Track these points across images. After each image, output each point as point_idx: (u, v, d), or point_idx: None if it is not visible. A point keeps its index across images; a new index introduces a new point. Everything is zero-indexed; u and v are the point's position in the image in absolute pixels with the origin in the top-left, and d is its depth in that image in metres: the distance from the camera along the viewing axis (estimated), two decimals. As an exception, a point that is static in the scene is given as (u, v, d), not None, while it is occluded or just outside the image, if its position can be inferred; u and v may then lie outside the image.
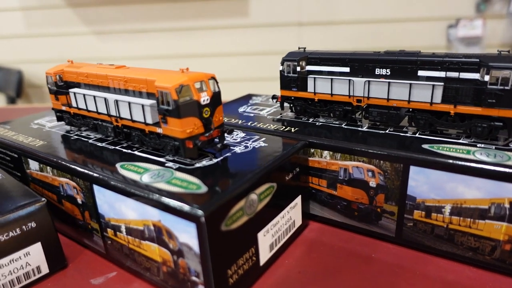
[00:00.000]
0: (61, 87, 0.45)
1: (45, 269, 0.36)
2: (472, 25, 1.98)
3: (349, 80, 0.42)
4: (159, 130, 0.35)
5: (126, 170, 0.34)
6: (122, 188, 0.32)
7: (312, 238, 0.41)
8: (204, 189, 0.30)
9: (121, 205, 0.33)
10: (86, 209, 0.38)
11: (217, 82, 0.36)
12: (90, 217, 0.38)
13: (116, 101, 0.38)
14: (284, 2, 2.03)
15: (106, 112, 0.40)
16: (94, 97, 0.40)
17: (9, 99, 2.22)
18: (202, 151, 0.37)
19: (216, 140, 0.37)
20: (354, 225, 0.40)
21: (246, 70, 2.12)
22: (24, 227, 0.34)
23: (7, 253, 0.33)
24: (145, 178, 0.33)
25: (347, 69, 0.43)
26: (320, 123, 0.45)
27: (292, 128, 0.44)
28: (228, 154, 0.37)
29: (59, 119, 0.49)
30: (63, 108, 0.46)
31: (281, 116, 0.49)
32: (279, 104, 0.52)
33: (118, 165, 0.36)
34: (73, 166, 0.37)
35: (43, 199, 0.35)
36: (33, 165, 0.42)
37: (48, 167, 0.40)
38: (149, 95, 0.36)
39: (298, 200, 0.40)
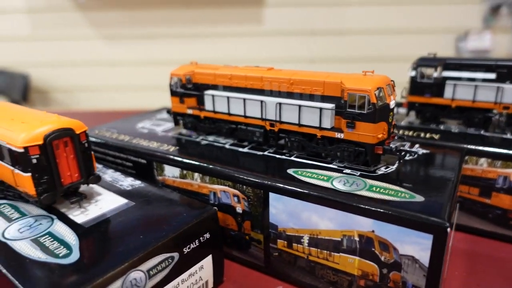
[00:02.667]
0: (189, 89, 0.43)
1: (210, 284, 0.34)
2: (481, 38, 2.04)
3: (498, 87, 0.41)
4: (338, 135, 0.34)
5: (306, 177, 0.32)
6: (321, 196, 0.30)
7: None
8: (419, 198, 0.28)
9: (311, 214, 0.31)
10: (248, 219, 0.35)
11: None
12: (252, 227, 0.35)
13: (279, 104, 0.36)
14: (297, 10, 2.04)
15: (258, 116, 0.38)
16: (244, 100, 0.38)
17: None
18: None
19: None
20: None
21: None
22: (201, 238, 0.31)
23: (188, 267, 0.31)
24: (339, 186, 0.31)
25: (492, 76, 0.42)
26: (457, 130, 0.44)
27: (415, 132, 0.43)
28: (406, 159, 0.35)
29: (176, 123, 0.47)
30: (189, 111, 0.44)
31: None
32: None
33: (291, 172, 0.34)
34: (239, 175, 0.34)
35: (213, 208, 0.33)
36: (170, 171, 0.39)
37: (196, 174, 0.37)
38: (324, 98, 0.34)
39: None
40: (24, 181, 0.29)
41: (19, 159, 0.29)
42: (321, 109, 0.34)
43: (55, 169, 0.30)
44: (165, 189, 0.37)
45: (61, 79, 2.14)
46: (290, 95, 0.36)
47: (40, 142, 0.29)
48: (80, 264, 0.26)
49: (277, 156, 0.37)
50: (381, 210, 0.27)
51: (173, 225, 0.30)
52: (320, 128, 0.34)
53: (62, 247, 0.27)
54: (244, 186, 0.34)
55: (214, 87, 0.42)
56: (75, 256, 0.26)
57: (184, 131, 0.47)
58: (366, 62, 1.98)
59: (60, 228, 0.30)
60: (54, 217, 0.31)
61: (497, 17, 2.03)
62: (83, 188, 0.34)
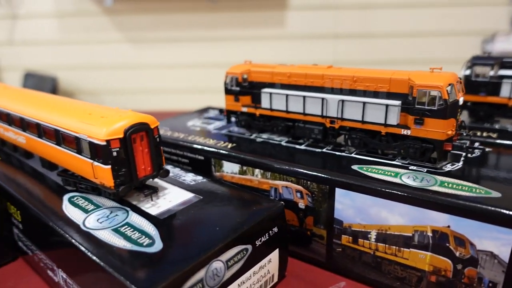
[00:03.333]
0: (245, 87, 0.44)
1: (275, 279, 0.34)
2: (508, 40, 2.00)
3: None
4: (404, 132, 0.34)
5: (373, 173, 0.33)
6: (394, 192, 0.30)
7: None
8: (495, 194, 0.28)
9: (380, 210, 0.31)
10: (310, 214, 0.36)
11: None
12: (315, 223, 0.36)
13: (342, 102, 0.36)
14: (321, 14, 2.04)
15: (318, 113, 0.39)
16: (304, 97, 0.39)
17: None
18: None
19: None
20: None
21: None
22: (270, 232, 0.32)
23: (258, 260, 0.31)
24: (409, 182, 0.31)
25: (554, 74, 0.42)
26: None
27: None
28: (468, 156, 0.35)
29: (229, 121, 0.48)
30: (243, 109, 0.45)
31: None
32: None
33: (356, 168, 0.34)
34: (304, 171, 0.35)
35: (281, 202, 0.33)
36: (229, 167, 0.40)
37: (256, 170, 0.38)
38: (389, 95, 0.35)
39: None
40: (104, 173, 0.31)
41: (100, 152, 0.30)
42: (387, 105, 0.34)
43: (132, 162, 0.31)
44: (227, 184, 0.37)
45: (88, 82, 2.19)
46: (352, 92, 0.37)
47: (121, 135, 0.30)
48: (165, 253, 0.26)
49: (336, 153, 0.38)
50: (462, 204, 0.27)
51: (246, 218, 0.31)
52: (385, 125, 0.35)
53: (143, 236, 0.28)
54: (309, 182, 0.35)
55: (271, 85, 0.42)
56: (158, 245, 0.27)
57: (236, 129, 0.47)
58: (390, 65, 1.96)
59: (136, 219, 0.31)
60: (127, 209, 0.32)
61: (525, 18, 1.99)
62: (149, 181, 0.35)
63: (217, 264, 0.27)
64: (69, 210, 0.33)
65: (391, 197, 0.30)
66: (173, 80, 2.08)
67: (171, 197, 0.34)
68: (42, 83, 2.19)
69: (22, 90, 0.48)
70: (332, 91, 0.38)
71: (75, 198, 0.35)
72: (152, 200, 0.33)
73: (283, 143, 0.42)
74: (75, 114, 0.34)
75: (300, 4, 2.03)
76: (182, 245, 0.27)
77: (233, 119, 0.48)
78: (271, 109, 0.42)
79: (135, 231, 0.29)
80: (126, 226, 0.30)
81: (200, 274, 0.26)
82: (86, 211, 0.32)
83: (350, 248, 0.34)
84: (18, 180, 0.39)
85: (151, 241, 0.28)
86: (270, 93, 0.41)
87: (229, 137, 0.45)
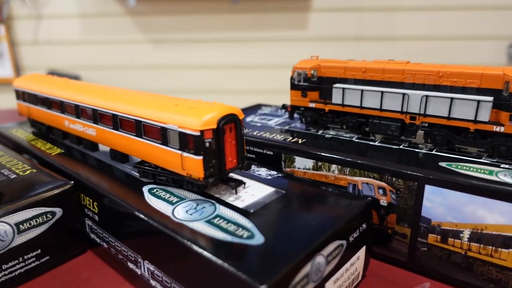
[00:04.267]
0: (314, 82, 0.43)
1: (359, 277, 0.33)
2: (536, 45, 1.97)
3: None
4: (497, 129, 0.33)
5: (465, 171, 0.32)
6: (497, 189, 0.29)
7: None
8: None
9: (476, 208, 0.30)
10: (393, 212, 0.35)
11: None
12: (397, 221, 0.35)
13: (426, 97, 0.36)
14: (343, 16, 2.03)
15: (397, 109, 0.38)
16: (382, 93, 0.38)
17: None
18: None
19: None
20: None
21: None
22: (360, 228, 0.31)
23: (350, 256, 0.30)
24: (508, 180, 0.30)
25: None
26: None
27: None
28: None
29: (291, 116, 0.47)
30: (311, 105, 0.44)
31: None
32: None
33: (444, 165, 0.33)
34: (391, 168, 0.34)
35: (368, 198, 0.32)
36: (301, 163, 0.39)
37: (333, 166, 0.37)
38: (479, 91, 0.34)
39: None
40: (194, 164, 0.30)
41: (192, 143, 0.30)
42: (478, 101, 0.33)
43: (222, 153, 0.31)
44: (304, 179, 0.37)
45: (110, 81, 2.20)
46: (436, 88, 0.36)
47: (214, 126, 0.30)
48: (270, 246, 0.26)
49: (415, 150, 0.37)
50: None
51: (340, 213, 0.30)
52: (475, 121, 0.34)
53: (240, 229, 0.28)
54: (394, 178, 0.34)
55: (343, 80, 0.41)
56: (259, 238, 0.27)
57: (298, 124, 0.47)
58: (413, 68, 1.94)
59: (226, 212, 0.30)
60: (212, 201, 0.32)
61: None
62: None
63: (320, 259, 0.26)
64: (152, 201, 0.32)
65: (491, 195, 0.29)
66: (193, 80, 2.09)
67: (252, 190, 0.34)
68: (66, 82, 2.22)
69: (86, 83, 0.48)
70: (413, 86, 0.37)
71: (155, 190, 0.34)
72: (236, 193, 0.33)
73: (354, 139, 0.41)
74: (159, 105, 0.34)
75: (323, 6, 2.03)
76: (283, 238, 0.27)
77: (295, 115, 0.48)
78: (342, 105, 0.41)
79: (230, 223, 0.28)
80: (219, 218, 0.29)
81: (307, 268, 0.25)
82: (171, 203, 0.32)
83: (438, 247, 0.33)
84: (90, 172, 0.39)
85: (249, 233, 0.27)
86: (343, 89, 0.41)
87: (296, 133, 0.44)
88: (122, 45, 2.21)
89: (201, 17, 2.11)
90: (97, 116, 0.40)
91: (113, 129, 0.38)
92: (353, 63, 0.41)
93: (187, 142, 0.30)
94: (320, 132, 0.43)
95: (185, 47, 2.14)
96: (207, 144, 0.30)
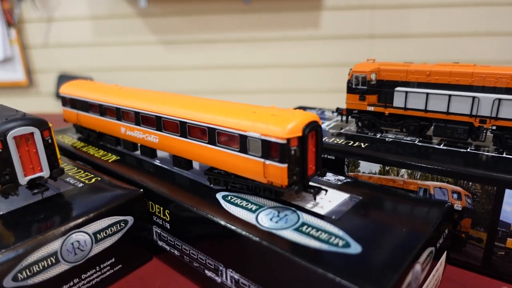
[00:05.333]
0: (373, 86, 0.43)
1: (439, 282, 0.33)
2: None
3: None
4: None
5: (546, 174, 0.31)
6: None
7: None
8: None
9: None
10: (468, 216, 0.35)
11: None
12: (472, 225, 0.35)
13: (499, 100, 0.35)
14: (356, 14, 2.02)
15: (466, 112, 0.38)
16: (450, 96, 0.38)
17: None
18: None
19: None
20: None
21: (316, 81, 2.10)
22: (444, 233, 0.31)
23: (436, 262, 0.30)
24: None
25: None
26: None
27: None
28: None
29: (347, 120, 0.47)
30: (369, 108, 0.44)
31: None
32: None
33: (523, 169, 0.33)
34: (468, 172, 0.34)
35: (449, 203, 0.32)
36: (367, 167, 0.39)
37: (402, 170, 0.37)
38: (558, 93, 0.33)
39: None
40: (278, 172, 0.30)
41: (277, 150, 0.30)
42: (558, 104, 0.33)
43: (305, 160, 0.31)
44: (374, 184, 0.37)
45: (122, 83, 2.20)
46: (508, 91, 0.36)
47: (300, 134, 0.29)
48: (370, 256, 0.25)
49: (484, 153, 0.37)
50: None
51: (425, 219, 0.30)
52: (552, 123, 0.33)
53: (333, 237, 0.28)
54: (471, 183, 0.34)
55: (405, 83, 0.41)
56: (356, 246, 0.26)
57: (352, 128, 0.47)
58: (426, 65, 1.93)
59: (311, 219, 0.30)
60: (293, 208, 0.32)
61: None
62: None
63: (417, 267, 0.26)
64: (231, 209, 0.32)
65: None
66: (206, 81, 2.09)
67: (328, 196, 0.34)
68: (79, 84, 2.22)
69: (140, 90, 0.48)
70: (483, 89, 0.37)
71: (230, 197, 0.34)
72: (315, 199, 0.33)
73: (416, 142, 0.41)
74: (234, 112, 0.33)
75: (335, 5, 2.02)
76: (380, 247, 0.27)
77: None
78: (405, 108, 0.41)
79: (320, 231, 0.28)
80: (306, 226, 0.29)
81: (408, 278, 0.25)
82: (250, 210, 0.32)
83: (517, 252, 0.33)
84: (155, 179, 0.39)
85: (344, 241, 0.27)
86: (406, 92, 0.40)
87: (353, 136, 0.44)
88: (134, 47, 2.21)
89: (213, 17, 2.10)
90: (161, 123, 0.40)
91: (180, 136, 0.38)
92: (414, 66, 0.41)
93: (270, 150, 0.30)
94: (378, 136, 0.43)
95: (197, 47, 2.14)
96: (292, 152, 0.29)
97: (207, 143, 0.35)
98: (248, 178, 0.33)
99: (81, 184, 0.39)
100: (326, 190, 0.33)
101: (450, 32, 1.92)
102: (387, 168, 0.38)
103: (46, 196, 0.36)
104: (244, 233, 0.29)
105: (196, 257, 0.34)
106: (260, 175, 0.31)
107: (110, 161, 0.45)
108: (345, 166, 0.41)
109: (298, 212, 0.31)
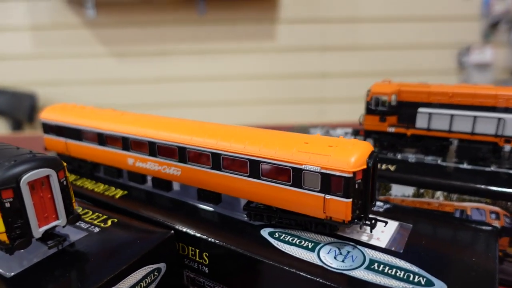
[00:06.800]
0: (393, 107, 0.43)
1: (489, 304, 0.33)
2: (482, 52, 2.17)
3: None
4: None
5: None
6: None
7: None
8: None
9: None
10: (506, 235, 0.35)
11: None
12: (510, 243, 0.35)
13: (525, 121, 0.37)
14: (310, 27, 2.08)
15: (491, 133, 0.39)
16: (475, 117, 0.39)
17: (15, 125, 2.02)
18: None
19: None
20: None
21: (271, 92, 2.12)
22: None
23: None
24: None
25: None
26: None
27: None
28: None
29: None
30: (390, 129, 0.44)
31: None
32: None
33: (555, 187, 0.34)
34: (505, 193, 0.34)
35: (496, 226, 0.33)
36: (399, 190, 0.39)
37: (438, 192, 0.37)
38: None
39: None
40: (341, 207, 0.28)
41: (341, 184, 0.28)
42: None
43: (368, 193, 0.29)
44: (415, 209, 0.36)
45: (71, 98, 2.05)
46: (534, 111, 0.37)
47: (364, 166, 0.28)
48: (457, 292, 0.25)
49: (510, 171, 0.38)
50: None
51: (486, 244, 0.30)
52: None
53: (411, 275, 0.26)
54: (509, 203, 0.34)
55: (427, 104, 0.42)
56: (439, 284, 0.25)
57: (369, 149, 0.46)
58: (376, 76, 2.04)
59: (377, 255, 0.29)
60: (351, 243, 0.30)
61: (495, 33, 2.16)
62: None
63: (499, 299, 0.26)
64: (285, 248, 0.30)
65: None
66: (159, 94, 2.01)
67: (379, 227, 0.33)
68: (19, 100, 2.03)
69: (148, 115, 0.43)
70: (506, 110, 0.38)
71: (277, 234, 0.32)
72: (371, 232, 0.31)
73: (439, 162, 0.41)
74: (281, 143, 0.31)
75: (290, 18, 2.06)
76: (461, 281, 0.26)
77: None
78: (428, 129, 0.42)
79: (394, 269, 0.27)
80: (377, 264, 0.27)
81: (497, 311, 0.24)
82: (307, 248, 0.30)
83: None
84: (181, 217, 0.35)
85: (425, 279, 0.26)
86: (430, 113, 0.41)
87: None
88: (81, 59, 2.06)
89: (166, 29, 2.04)
90: (185, 155, 0.36)
91: (211, 169, 0.35)
92: (435, 87, 0.42)
93: (332, 184, 0.28)
94: (399, 157, 0.43)
95: (150, 59, 2.06)
96: (357, 186, 0.28)
97: (248, 177, 0.32)
98: (298, 213, 0.31)
99: (96, 229, 0.33)
100: (386, 222, 0.32)
101: (395, 44, 2.05)
102: (421, 190, 0.38)
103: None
104: (316, 278, 0.27)
105: (244, 303, 0.31)
106: (319, 210, 0.29)
107: (117, 197, 0.40)
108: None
109: (359, 247, 0.30)
